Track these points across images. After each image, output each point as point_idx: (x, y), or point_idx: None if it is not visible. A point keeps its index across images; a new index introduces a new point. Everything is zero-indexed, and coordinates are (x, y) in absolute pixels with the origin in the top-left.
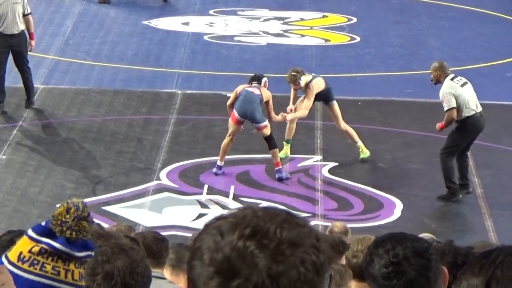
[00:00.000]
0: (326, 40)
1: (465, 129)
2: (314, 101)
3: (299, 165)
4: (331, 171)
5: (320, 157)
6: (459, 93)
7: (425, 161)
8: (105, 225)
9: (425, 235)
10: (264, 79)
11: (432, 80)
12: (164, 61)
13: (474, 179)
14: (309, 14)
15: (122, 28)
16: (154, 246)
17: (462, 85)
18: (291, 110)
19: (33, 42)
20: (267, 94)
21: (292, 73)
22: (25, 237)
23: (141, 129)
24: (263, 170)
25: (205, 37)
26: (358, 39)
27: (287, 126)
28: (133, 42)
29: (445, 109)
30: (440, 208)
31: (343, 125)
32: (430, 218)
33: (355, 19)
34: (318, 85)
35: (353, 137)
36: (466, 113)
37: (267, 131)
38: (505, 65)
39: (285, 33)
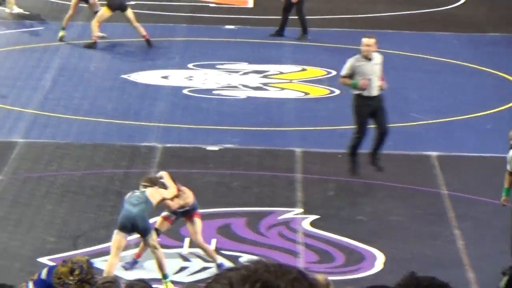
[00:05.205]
0: (306, 93)
1: None
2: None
3: (279, 217)
4: (312, 223)
5: (301, 210)
6: None
7: (406, 213)
8: None
9: None
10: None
11: None
12: (143, 115)
13: (455, 231)
14: (288, 67)
15: (101, 82)
16: None
17: None
18: None
19: None
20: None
21: None
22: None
23: (121, 183)
24: (243, 223)
25: (184, 91)
26: (337, 92)
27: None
28: (112, 96)
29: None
30: (421, 260)
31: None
32: (411, 270)
33: (334, 72)
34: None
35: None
36: None
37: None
38: (484, 117)
39: (264, 86)
